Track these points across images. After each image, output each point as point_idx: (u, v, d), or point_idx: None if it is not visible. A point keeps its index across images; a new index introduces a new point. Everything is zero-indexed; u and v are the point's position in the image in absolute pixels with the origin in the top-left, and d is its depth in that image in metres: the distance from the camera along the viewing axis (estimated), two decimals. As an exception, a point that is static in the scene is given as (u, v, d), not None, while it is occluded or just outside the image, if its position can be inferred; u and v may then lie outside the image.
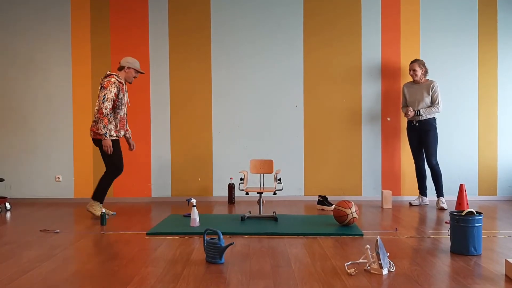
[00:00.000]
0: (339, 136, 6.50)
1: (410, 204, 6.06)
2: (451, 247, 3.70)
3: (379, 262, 3.14)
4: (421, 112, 5.84)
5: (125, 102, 5.26)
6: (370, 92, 6.49)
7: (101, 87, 5.08)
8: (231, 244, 3.41)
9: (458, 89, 6.45)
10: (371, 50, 6.47)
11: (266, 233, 4.35)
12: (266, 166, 5.29)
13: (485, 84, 6.47)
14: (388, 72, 6.48)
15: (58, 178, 6.54)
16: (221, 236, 3.41)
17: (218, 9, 6.50)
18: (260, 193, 5.10)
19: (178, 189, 6.53)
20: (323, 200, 5.77)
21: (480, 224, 3.61)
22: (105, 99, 4.98)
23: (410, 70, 5.99)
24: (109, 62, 6.50)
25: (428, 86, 5.91)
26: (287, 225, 4.68)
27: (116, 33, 6.51)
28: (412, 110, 5.86)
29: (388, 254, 3.34)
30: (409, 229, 4.57)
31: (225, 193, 6.43)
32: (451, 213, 3.71)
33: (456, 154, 6.44)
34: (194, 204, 4.69)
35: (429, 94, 5.89)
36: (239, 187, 5.29)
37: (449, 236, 3.77)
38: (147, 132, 6.51)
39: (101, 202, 5.23)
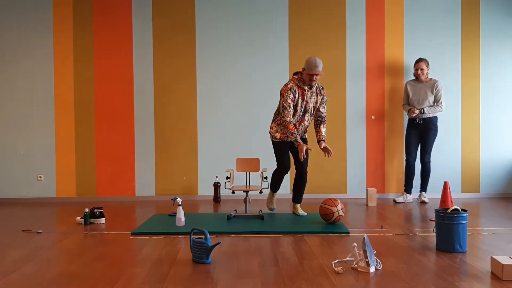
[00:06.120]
0: (325, 134, 6.50)
1: (395, 202, 6.11)
2: (436, 245, 3.72)
3: (366, 260, 3.14)
4: (425, 111, 5.92)
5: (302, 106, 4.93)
6: (355, 91, 6.51)
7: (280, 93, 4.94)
8: (218, 243, 3.39)
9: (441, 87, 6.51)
10: (356, 50, 6.49)
11: (253, 232, 4.33)
12: (252, 165, 5.27)
13: (467, 82, 6.54)
14: (373, 71, 6.51)
15: (40, 177, 6.43)
16: (208, 236, 3.38)
17: (203, 7, 6.45)
18: (246, 191, 5.08)
19: (163, 188, 6.48)
20: None
21: (465, 222, 3.64)
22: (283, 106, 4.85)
23: (417, 70, 6.04)
24: (92, 60, 6.41)
25: (432, 85, 5.99)
26: (273, 224, 4.67)
27: (99, 31, 6.42)
28: (416, 109, 5.90)
29: (375, 252, 3.35)
30: (394, 226, 4.60)
31: (210, 192, 6.39)
32: (437, 211, 3.73)
33: (440, 152, 6.49)
34: (180, 203, 4.65)
35: (432, 93, 5.97)
36: (225, 186, 5.26)
37: (434, 234, 3.80)
38: (130, 130, 6.44)
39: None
